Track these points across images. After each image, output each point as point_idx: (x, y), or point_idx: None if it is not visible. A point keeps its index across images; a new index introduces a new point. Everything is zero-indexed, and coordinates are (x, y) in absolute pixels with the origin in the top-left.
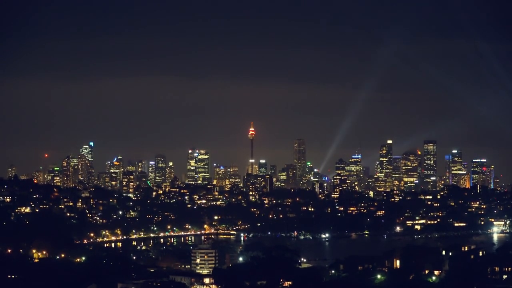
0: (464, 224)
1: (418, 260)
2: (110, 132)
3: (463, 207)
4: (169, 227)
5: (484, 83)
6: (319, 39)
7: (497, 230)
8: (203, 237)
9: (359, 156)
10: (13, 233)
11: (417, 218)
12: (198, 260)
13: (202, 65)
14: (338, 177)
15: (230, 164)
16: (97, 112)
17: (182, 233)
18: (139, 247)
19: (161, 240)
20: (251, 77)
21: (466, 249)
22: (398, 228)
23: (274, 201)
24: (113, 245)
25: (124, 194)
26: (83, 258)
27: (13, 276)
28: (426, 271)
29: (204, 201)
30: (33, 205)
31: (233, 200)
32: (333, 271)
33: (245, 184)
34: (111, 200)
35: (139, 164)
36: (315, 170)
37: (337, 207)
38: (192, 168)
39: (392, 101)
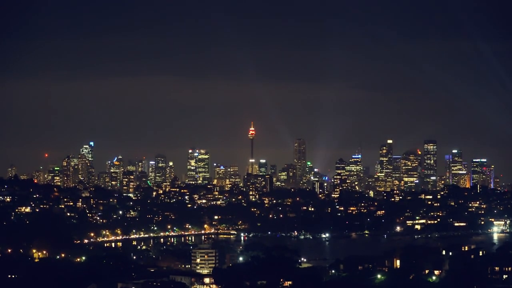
0: (464, 224)
1: (418, 260)
2: (110, 132)
3: (463, 207)
4: (169, 227)
5: (484, 82)
6: (319, 39)
7: (497, 230)
8: (203, 237)
9: (359, 156)
10: (13, 233)
11: (417, 218)
12: (198, 260)
13: (202, 65)
14: (338, 177)
15: (230, 164)
16: (97, 112)
17: (182, 233)
18: (139, 247)
19: (161, 240)
20: (251, 77)
21: (466, 249)
22: (398, 228)
23: (274, 201)
24: (113, 245)
25: (124, 194)
26: (83, 258)
27: (13, 276)
28: (426, 271)
29: (204, 201)
30: (33, 205)
31: (233, 200)
32: (333, 271)
33: (245, 184)
34: (111, 200)
35: (139, 164)
36: (315, 170)
37: (337, 207)
38: (192, 168)
39: (392, 101)
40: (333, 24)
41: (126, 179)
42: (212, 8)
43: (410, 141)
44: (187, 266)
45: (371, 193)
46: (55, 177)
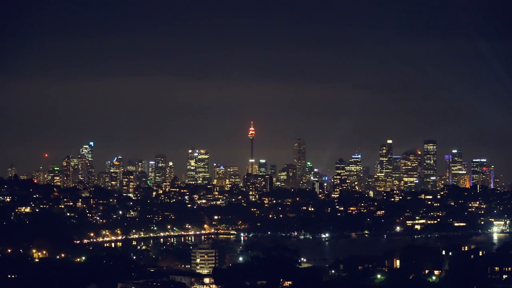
0: (464, 224)
1: (418, 260)
2: (110, 132)
3: (463, 207)
4: (169, 227)
5: (484, 83)
6: (319, 39)
7: (497, 230)
8: (203, 237)
9: (359, 156)
10: (13, 233)
11: (417, 218)
12: (198, 260)
13: (202, 65)
14: (338, 177)
15: (230, 164)
16: (97, 112)
17: (182, 233)
18: (139, 247)
19: (161, 240)
20: (251, 77)
21: (466, 249)
22: (398, 228)
23: (274, 201)
24: (113, 245)
25: (124, 194)
26: (83, 258)
27: (13, 276)
28: (426, 271)
29: (204, 201)
30: (33, 205)
31: (233, 200)
32: (333, 271)
33: (245, 184)
34: (111, 200)
35: (139, 164)
36: (315, 170)
37: (337, 207)
38: (192, 168)
39: (392, 101)
40: (333, 25)
41: (126, 179)
42: (212, 8)
43: (410, 141)
44: (187, 266)
45: (371, 193)
46: (55, 177)
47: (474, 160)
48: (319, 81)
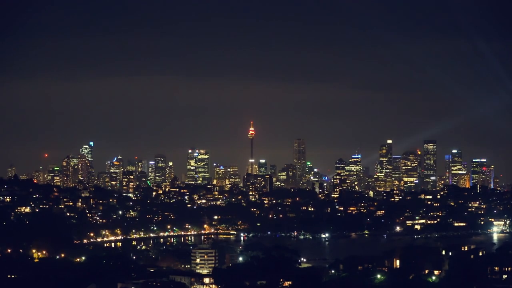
0: (464, 224)
1: (418, 260)
2: (110, 132)
3: (463, 207)
4: (169, 227)
5: (484, 82)
6: (319, 39)
7: (497, 230)
8: (203, 237)
9: (359, 156)
10: (13, 233)
11: (417, 218)
12: (198, 260)
13: (202, 65)
14: (338, 177)
15: (230, 164)
16: (97, 112)
17: (182, 233)
18: (139, 247)
19: (161, 240)
20: (251, 77)
21: (466, 249)
22: (398, 228)
23: (274, 201)
24: (113, 245)
25: (124, 194)
26: (83, 258)
27: (13, 276)
28: (426, 271)
29: (204, 201)
30: (33, 205)
31: (233, 200)
32: (333, 271)
33: (245, 184)
34: (111, 200)
35: (139, 164)
36: (315, 170)
37: (337, 207)
38: (192, 168)
39: (392, 101)
40: (333, 25)
41: (126, 179)
42: (212, 8)
43: (410, 141)
44: (187, 266)
45: (371, 193)
46: (55, 177)
47: (474, 160)
48: (319, 81)
